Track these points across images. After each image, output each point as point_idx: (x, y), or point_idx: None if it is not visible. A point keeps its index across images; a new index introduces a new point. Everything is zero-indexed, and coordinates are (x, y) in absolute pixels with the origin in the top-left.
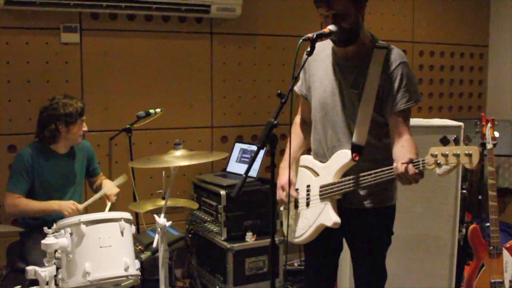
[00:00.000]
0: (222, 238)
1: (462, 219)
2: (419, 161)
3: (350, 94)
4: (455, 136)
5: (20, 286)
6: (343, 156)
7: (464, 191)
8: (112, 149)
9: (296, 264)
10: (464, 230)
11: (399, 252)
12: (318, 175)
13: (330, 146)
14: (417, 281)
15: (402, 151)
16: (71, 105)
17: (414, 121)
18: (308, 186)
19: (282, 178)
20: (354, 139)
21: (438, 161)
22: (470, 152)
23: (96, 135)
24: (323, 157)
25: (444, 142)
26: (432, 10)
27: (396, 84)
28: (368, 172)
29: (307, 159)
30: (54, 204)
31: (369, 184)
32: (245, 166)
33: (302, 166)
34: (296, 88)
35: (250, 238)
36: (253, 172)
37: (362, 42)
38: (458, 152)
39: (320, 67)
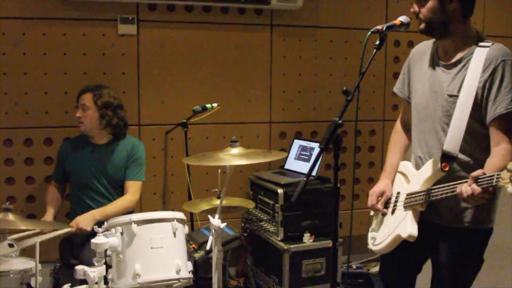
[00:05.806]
0: (279, 238)
1: None
2: (493, 176)
3: (447, 98)
4: None
5: (69, 284)
6: (433, 165)
7: None
8: (168, 143)
9: (354, 267)
10: None
11: None
12: (410, 182)
13: (426, 152)
14: None
15: (489, 163)
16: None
17: None
18: (398, 193)
19: (375, 186)
20: (445, 147)
21: None
22: None
23: (152, 129)
24: (420, 164)
25: None
26: None
27: (496, 86)
28: (441, 185)
29: (405, 165)
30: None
31: (442, 198)
32: (304, 164)
33: (398, 172)
34: (396, 90)
35: (308, 239)
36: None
37: (460, 38)
38: None
39: (422, 68)
